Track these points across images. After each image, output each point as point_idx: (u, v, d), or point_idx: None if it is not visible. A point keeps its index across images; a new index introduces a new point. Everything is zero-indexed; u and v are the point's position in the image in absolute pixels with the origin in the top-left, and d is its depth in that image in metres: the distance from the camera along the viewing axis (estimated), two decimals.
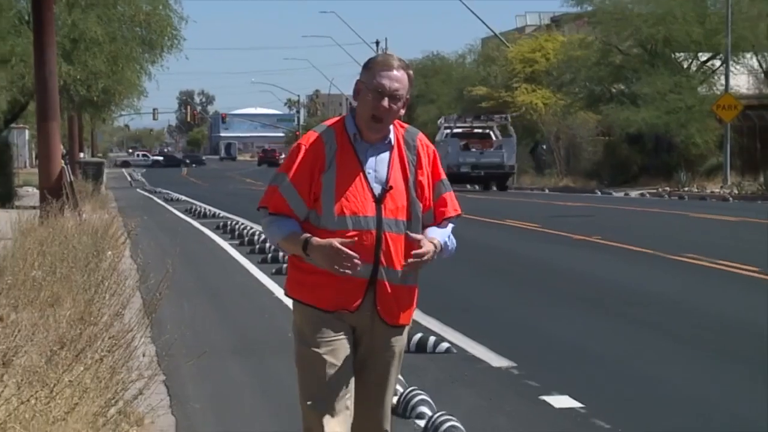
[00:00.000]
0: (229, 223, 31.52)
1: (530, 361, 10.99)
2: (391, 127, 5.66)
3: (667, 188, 49.98)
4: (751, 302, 16.23)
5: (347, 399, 5.80)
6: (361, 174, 5.64)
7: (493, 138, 60.03)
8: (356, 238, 5.61)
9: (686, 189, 49.34)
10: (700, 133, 52.70)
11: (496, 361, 10.82)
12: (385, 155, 5.76)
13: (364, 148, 5.71)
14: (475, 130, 61.86)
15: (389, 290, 5.66)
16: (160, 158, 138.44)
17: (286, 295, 5.96)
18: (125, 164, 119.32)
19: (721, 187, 47.06)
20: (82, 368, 8.53)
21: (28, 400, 7.55)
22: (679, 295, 17.51)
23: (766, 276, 17.45)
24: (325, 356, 5.74)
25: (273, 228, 5.69)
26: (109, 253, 15.23)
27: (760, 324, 13.91)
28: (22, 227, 16.61)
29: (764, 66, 52.31)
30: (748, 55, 53.00)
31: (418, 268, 5.65)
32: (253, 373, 12.37)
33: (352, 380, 5.84)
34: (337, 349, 5.82)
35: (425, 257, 5.58)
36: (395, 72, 5.60)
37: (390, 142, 5.67)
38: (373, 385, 5.88)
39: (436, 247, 5.68)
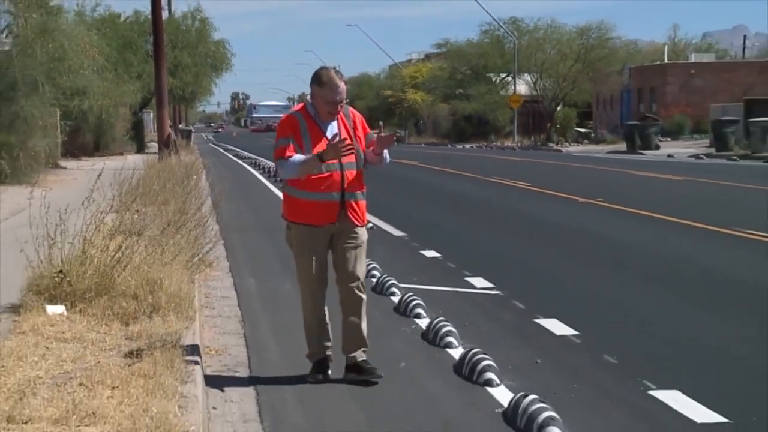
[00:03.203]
0: (256, 160, 36.15)
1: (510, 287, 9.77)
2: None
3: (485, 144, 64.02)
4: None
5: (323, 279, 6.13)
6: (324, 138, 5.99)
7: None
8: (328, 172, 5.86)
9: (494, 144, 63.46)
10: (501, 114, 67.30)
11: (481, 283, 9.63)
12: (335, 124, 6.05)
13: (322, 123, 6.04)
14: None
15: (353, 204, 6.03)
16: (221, 129, 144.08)
17: (284, 218, 6.19)
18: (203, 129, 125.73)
19: (512, 143, 61.07)
20: (179, 236, 9.04)
21: (151, 254, 8.03)
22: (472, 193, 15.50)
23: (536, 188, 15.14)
24: (311, 256, 6.05)
25: (289, 163, 5.90)
26: (194, 176, 16.63)
27: (603, 235, 12.42)
28: (148, 163, 18.52)
29: (533, 80, 67.24)
30: (526, 75, 68.10)
31: (386, 146, 6.04)
32: (268, 239, 13.07)
33: (327, 267, 6.16)
34: (320, 249, 6.08)
35: (387, 137, 6.10)
36: (341, 87, 5.89)
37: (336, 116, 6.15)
38: (348, 260, 6.09)
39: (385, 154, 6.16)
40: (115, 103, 35.15)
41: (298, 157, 5.87)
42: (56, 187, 17.78)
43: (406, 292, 8.70)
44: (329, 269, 6.23)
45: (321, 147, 5.90)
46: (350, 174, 5.98)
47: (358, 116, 6.20)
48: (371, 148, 6.11)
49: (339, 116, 6.04)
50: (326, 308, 6.26)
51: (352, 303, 6.16)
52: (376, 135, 6.08)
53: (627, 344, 7.24)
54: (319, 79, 5.91)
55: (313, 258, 6.07)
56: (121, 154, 36.78)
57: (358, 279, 6.17)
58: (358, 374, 6.11)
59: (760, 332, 7.63)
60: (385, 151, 6.14)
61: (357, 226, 6.12)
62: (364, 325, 6.21)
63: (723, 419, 5.44)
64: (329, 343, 6.23)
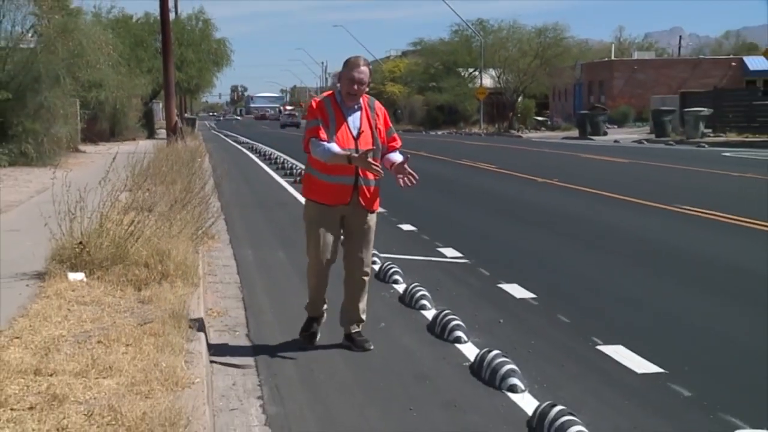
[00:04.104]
0: (253, 145, 36.32)
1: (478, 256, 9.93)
2: (361, 98, 5.82)
3: (455, 130, 63.91)
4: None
5: (331, 256, 5.88)
6: (345, 124, 5.76)
7: None
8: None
9: (463, 130, 63.04)
10: (469, 104, 66.56)
11: (451, 253, 9.70)
12: (358, 113, 5.83)
13: (347, 109, 5.80)
14: None
15: (365, 190, 5.79)
16: (222, 117, 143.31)
17: (304, 195, 6.01)
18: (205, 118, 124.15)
19: (479, 130, 60.49)
20: (185, 212, 9.01)
21: (160, 227, 8.02)
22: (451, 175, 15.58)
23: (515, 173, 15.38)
24: (321, 232, 5.82)
25: (323, 148, 5.63)
26: (198, 159, 16.40)
27: (578, 214, 12.60)
28: (158, 148, 18.06)
29: (497, 74, 66.25)
30: (491, 70, 66.60)
31: (404, 172, 5.72)
32: (267, 216, 13.20)
33: (338, 245, 5.94)
34: (331, 229, 5.86)
35: (403, 165, 5.77)
36: (362, 68, 5.73)
37: (360, 106, 5.84)
38: (358, 245, 5.92)
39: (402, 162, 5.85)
40: (128, 94, 35.00)
41: (334, 147, 5.63)
42: (76, 168, 17.71)
43: (386, 261, 8.72)
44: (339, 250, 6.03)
45: (342, 131, 5.71)
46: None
47: (382, 110, 5.98)
48: (391, 167, 5.85)
49: (364, 108, 5.83)
50: (327, 279, 6.05)
51: (356, 284, 5.99)
52: (398, 164, 5.77)
53: (578, 306, 7.26)
54: (346, 61, 5.81)
55: (322, 235, 5.82)
56: (134, 139, 36.33)
57: (364, 261, 5.96)
58: (353, 344, 5.97)
59: (693, 292, 7.73)
60: (399, 157, 5.91)
61: (367, 211, 5.88)
62: (363, 305, 6.04)
63: (660, 369, 5.48)
64: (324, 307, 6.11)
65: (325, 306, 6.16)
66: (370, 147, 5.72)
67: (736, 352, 5.92)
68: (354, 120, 5.80)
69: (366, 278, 6.01)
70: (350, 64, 5.76)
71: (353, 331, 6.03)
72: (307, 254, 5.99)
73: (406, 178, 5.73)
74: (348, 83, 5.71)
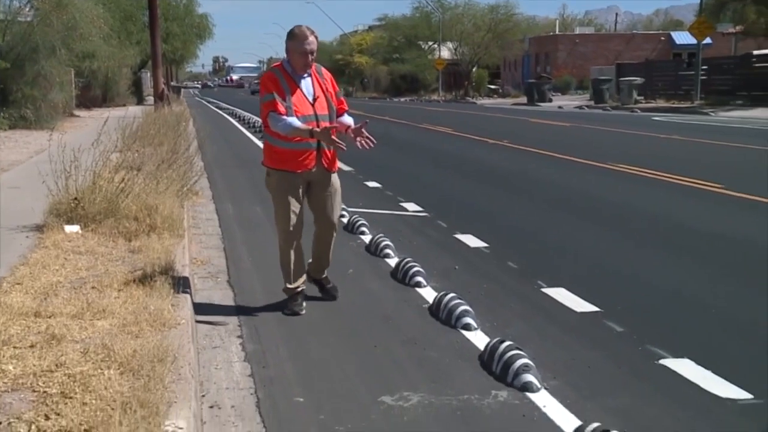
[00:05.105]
0: (234, 111, 35.46)
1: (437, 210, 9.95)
2: None
3: (416, 97, 63.02)
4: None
5: (300, 222, 5.48)
6: (300, 92, 5.33)
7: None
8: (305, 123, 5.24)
9: (423, 98, 62.61)
10: (429, 74, 66.36)
11: (412, 207, 9.62)
12: (309, 80, 5.40)
13: (298, 78, 5.36)
14: None
15: (326, 153, 5.41)
16: (207, 85, 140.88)
17: (264, 165, 5.50)
18: (190, 87, 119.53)
19: (438, 97, 60.53)
20: (171, 171, 8.89)
21: (148, 185, 7.91)
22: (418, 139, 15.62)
23: (484, 139, 15.50)
24: (290, 200, 5.41)
25: (284, 123, 5.19)
26: (183, 123, 16.12)
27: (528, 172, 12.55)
28: (146, 113, 17.63)
29: (454, 47, 65.97)
30: (449, 43, 66.24)
31: (362, 135, 5.34)
32: (246, 174, 12.99)
33: (303, 210, 5.50)
34: (297, 194, 5.44)
35: (355, 127, 5.44)
36: (310, 38, 5.25)
37: (310, 73, 5.40)
38: (328, 207, 5.57)
39: (351, 125, 5.51)
40: (118, 64, 34.24)
41: (294, 121, 5.19)
42: (71, 131, 17.33)
43: (353, 215, 8.69)
44: (306, 213, 5.62)
45: (299, 99, 5.29)
46: (324, 124, 5.29)
47: (329, 75, 5.56)
48: (347, 131, 5.47)
49: (313, 74, 5.40)
50: (302, 249, 5.61)
51: (326, 239, 5.65)
52: (356, 127, 5.42)
53: (525, 253, 7.29)
54: (291, 33, 5.28)
55: (290, 202, 5.41)
56: (124, 105, 35.52)
57: (334, 222, 5.62)
58: (321, 290, 5.77)
59: (626, 238, 7.79)
60: (350, 120, 5.58)
61: (331, 172, 5.53)
62: (330, 255, 5.74)
63: (596, 308, 5.53)
64: (303, 279, 5.61)
65: (303, 278, 5.63)
66: (326, 112, 5.39)
67: (663, 293, 5.96)
68: (307, 86, 5.38)
69: (335, 234, 5.72)
70: (298, 37, 5.26)
71: (322, 276, 5.82)
72: (277, 225, 5.54)
73: (363, 141, 5.35)
74: (301, 57, 5.26)
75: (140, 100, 42.38)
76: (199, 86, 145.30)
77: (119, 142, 10.44)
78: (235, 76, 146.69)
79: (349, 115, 5.65)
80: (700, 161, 14.41)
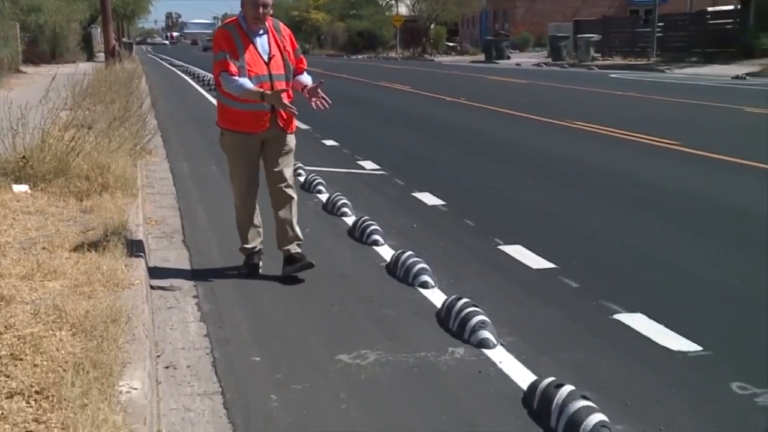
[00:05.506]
0: (188, 68, 34.84)
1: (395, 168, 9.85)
2: (266, 21, 5.10)
3: (374, 55, 62.97)
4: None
5: (255, 182, 5.36)
6: (255, 49, 5.08)
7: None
8: (259, 83, 5.01)
9: (381, 55, 62.59)
10: (387, 31, 66.96)
11: (369, 165, 9.68)
12: (265, 37, 5.14)
13: (253, 34, 5.09)
14: None
15: (282, 113, 5.15)
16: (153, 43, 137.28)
17: (218, 125, 5.32)
18: (142, 43, 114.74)
19: (395, 54, 60.55)
20: (123, 129, 8.76)
21: (100, 143, 7.76)
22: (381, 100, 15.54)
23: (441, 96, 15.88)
24: (244, 160, 5.29)
25: (235, 84, 4.97)
26: (136, 80, 15.86)
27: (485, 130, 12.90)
28: (96, 69, 17.37)
29: (412, 3, 65.01)
30: None
31: (318, 95, 5.14)
32: (199, 131, 12.94)
33: (258, 170, 5.37)
34: (252, 154, 5.29)
35: (311, 87, 5.22)
36: None
37: (266, 29, 5.13)
38: (279, 164, 5.29)
39: (309, 84, 5.28)
40: (67, 19, 33.51)
41: (245, 82, 4.97)
42: (17, 88, 16.88)
43: (310, 173, 8.68)
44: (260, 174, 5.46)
45: (253, 57, 5.03)
46: (279, 85, 5.09)
47: (288, 31, 5.28)
48: (303, 90, 5.26)
49: (270, 31, 5.13)
50: (257, 209, 5.49)
51: (283, 201, 5.34)
52: (312, 87, 5.20)
53: (483, 211, 7.33)
54: None
55: (245, 163, 5.27)
56: (74, 62, 34.73)
57: (287, 180, 5.33)
58: (292, 265, 5.32)
59: (584, 196, 7.87)
60: (308, 79, 5.36)
61: (286, 133, 5.28)
62: (295, 221, 5.39)
63: (552, 265, 5.61)
64: (260, 239, 5.47)
65: (260, 239, 5.50)
66: (282, 72, 5.15)
67: (618, 250, 6.06)
68: (263, 44, 5.12)
69: (294, 195, 5.40)
70: None
71: (293, 251, 5.37)
72: (233, 186, 5.42)
73: (319, 101, 5.16)
74: (252, 8, 5.01)
75: (90, 57, 41.48)
76: (167, 42, 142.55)
77: (69, 99, 10.14)
78: (176, 34, 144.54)
79: (308, 73, 5.48)
80: (657, 118, 14.56)
